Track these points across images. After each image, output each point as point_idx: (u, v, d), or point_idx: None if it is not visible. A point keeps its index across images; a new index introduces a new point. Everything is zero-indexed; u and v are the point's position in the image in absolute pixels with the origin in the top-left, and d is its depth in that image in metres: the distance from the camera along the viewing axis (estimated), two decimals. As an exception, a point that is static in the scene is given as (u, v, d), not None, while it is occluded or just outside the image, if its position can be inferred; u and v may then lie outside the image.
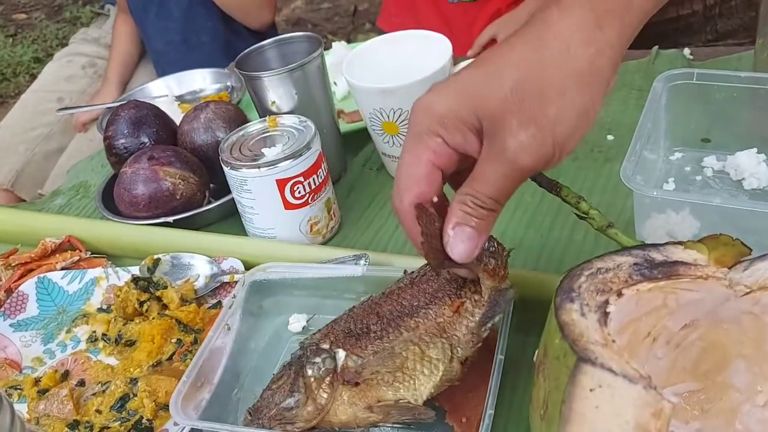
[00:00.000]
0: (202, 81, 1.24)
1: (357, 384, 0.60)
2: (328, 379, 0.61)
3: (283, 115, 0.85)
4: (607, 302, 0.46)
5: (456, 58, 0.87)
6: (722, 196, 0.75)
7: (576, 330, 0.43)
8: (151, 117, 0.96)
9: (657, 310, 0.50)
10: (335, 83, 1.09)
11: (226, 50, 1.65)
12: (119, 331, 0.76)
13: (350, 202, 0.91)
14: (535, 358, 0.50)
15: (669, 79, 0.79)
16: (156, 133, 0.95)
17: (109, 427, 0.65)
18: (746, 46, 1.05)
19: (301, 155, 0.78)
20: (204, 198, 0.91)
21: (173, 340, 0.73)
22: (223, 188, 0.89)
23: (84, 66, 1.81)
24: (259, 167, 0.77)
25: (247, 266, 0.78)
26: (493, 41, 1.32)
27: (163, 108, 1.01)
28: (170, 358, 0.72)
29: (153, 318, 0.75)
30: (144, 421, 0.65)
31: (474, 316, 0.59)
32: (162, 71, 1.73)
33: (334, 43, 1.17)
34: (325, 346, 0.63)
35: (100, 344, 0.76)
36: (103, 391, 0.70)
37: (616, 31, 0.49)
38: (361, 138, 0.98)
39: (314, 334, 0.66)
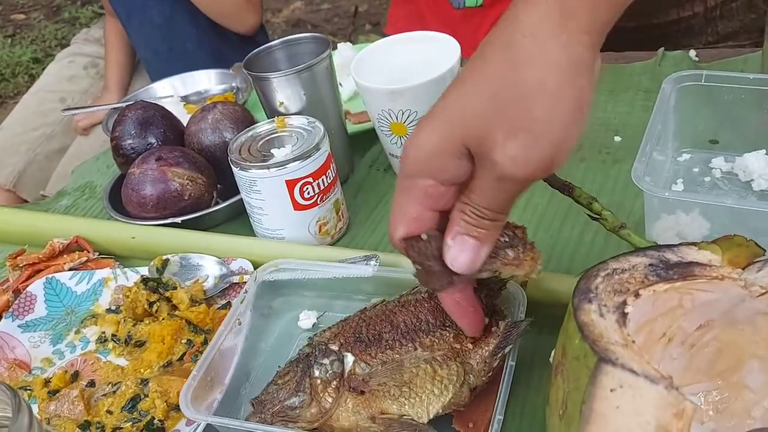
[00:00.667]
0: (207, 81, 1.24)
1: (362, 392, 0.60)
2: (334, 383, 0.61)
3: (291, 116, 0.85)
4: (624, 303, 0.46)
5: (463, 60, 0.87)
6: (732, 197, 0.75)
7: (595, 330, 0.43)
8: (158, 117, 0.96)
9: (672, 310, 0.50)
10: (341, 84, 1.09)
11: (213, 57, 1.59)
12: (129, 332, 0.76)
13: (358, 202, 0.91)
14: (551, 359, 0.50)
15: (678, 80, 0.79)
16: (163, 134, 0.95)
17: (121, 428, 0.66)
18: (750, 48, 1.06)
19: (310, 156, 0.78)
20: (212, 199, 0.91)
21: (183, 341, 0.73)
22: (230, 189, 0.89)
23: (86, 66, 1.81)
24: (268, 168, 0.78)
25: (256, 267, 0.78)
26: None
27: (169, 108, 1.01)
28: (181, 359, 0.72)
29: (163, 319, 0.75)
30: (156, 421, 0.65)
31: (488, 346, 0.60)
32: (153, 78, 1.71)
33: (339, 44, 1.17)
34: (334, 347, 0.63)
35: (110, 345, 0.76)
36: (114, 392, 0.70)
37: (586, 16, 0.46)
38: (367, 139, 0.98)
39: (324, 331, 0.66)
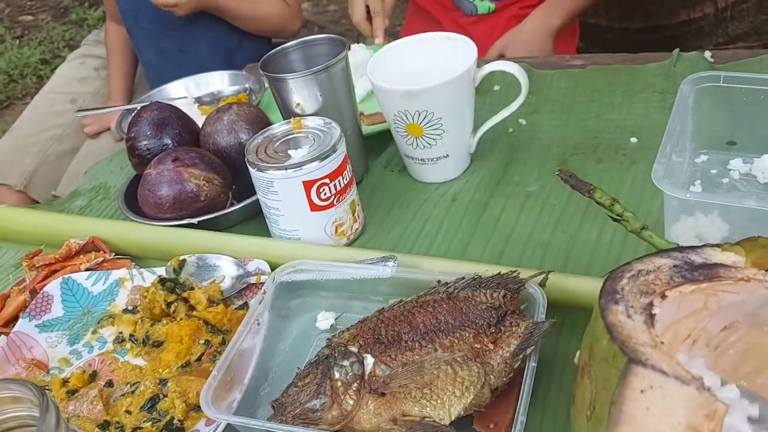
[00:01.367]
0: (221, 83, 1.24)
1: (383, 394, 0.60)
2: (355, 385, 0.61)
3: (307, 117, 0.85)
4: (651, 304, 0.46)
5: (479, 62, 0.87)
6: (752, 198, 0.74)
7: (624, 331, 0.43)
8: (173, 118, 0.96)
9: (698, 312, 0.50)
10: (354, 85, 1.09)
11: (224, 61, 1.59)
12: (146, 332, 0.76)
13: (373, 203, 0.91)
14: (576, 360, 0.50)
15: (696, 81, 0.79)
16: (179, 135, 0.95)
17: (141, 428, 0.66)
18: (763, 49, 1.05)
19: (327, 157, 0.78)
20: (227, 199, 0.91)
21: (201, 341, 0.73)
22: (245, 190, 0.89)
23: (97, 68, 1.81)
24: (285, 169, 0.78)
25: (273, 268, 0.78)
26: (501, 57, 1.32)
27: (183, 110, 1.01)
28: (199, 359, 0.72)
29: (181, 319, 0.75)
30: (175, 421, 0.65)
31: (509, 347, 0.60)
32: (151, 83, 1.70)
33: (353, 45, 1.17)
34: (354, 349, 0.63)
35: (128, 345, 0.76)
36: (133, 392, 0.70)
37: None
38: (381, 140, 0.98)
39: (342, 332, 0.66)
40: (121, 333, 0.78)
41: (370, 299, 0.73)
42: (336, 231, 0.82)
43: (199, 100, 1.21)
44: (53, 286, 0.83)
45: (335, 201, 0.81)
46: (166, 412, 0.67)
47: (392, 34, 3.12)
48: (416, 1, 1.54)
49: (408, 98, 0.84)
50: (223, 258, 0.81)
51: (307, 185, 0.78)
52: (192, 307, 0.77)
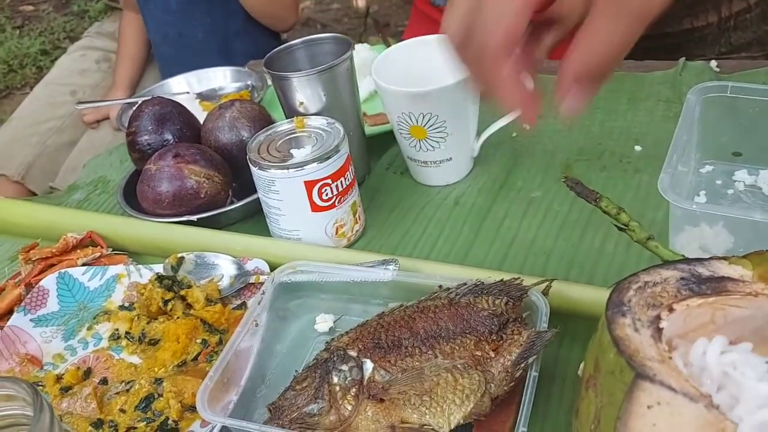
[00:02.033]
0: (223, 79, 1.23)
1: (382, 400, 0.59)
2: (353, 390, 0.60)
3: (310, 117, 0.84)
4: (659, 317, 0.45)
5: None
6: (758, 211, 0.74)
7: (631, 345, 0.42)
8: (175, 114, 0.95)
9: (704, 326, 0.49)
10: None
11: (221, 49, 1.63)
12: (143, 330, 0.75)
13: (374, 205, 0.90)
14: (579, 372, 0.50)
15: (703, 91, 0.78)
16: (180, 131, 0.94)
17: (135, 428, 0.65)
18: (765, 60, 1.05)
19: (329, 157, 0.77)
20: (227, 197, 0.90)
21: (198, 341, 0.73)
22: (245, 188, 0.88)
23: (98, 60, 1.81)
24: (287, 168, 0.77)
25: (272, 268, 0.78)
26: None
27: (184, 105, 1.00)
28: (195, 359, 0.71)
29: (178, 317, 0.74)
30: (170, 422, 0.65)
31: (511, 355, 0.59)
32: (162, 66, 1.73)
33: (357, 45, 1.16)
34: (353, 353, 0.62)
35: (123, 342, 0.76)
36: (127, 390, 0.69)
37: None
38: (384, 141, 0.98)
39: (341, 336, 0.65)
40: (116, 330, 0.77)
41: (370, 302, 0.72)
42: (337, 232, 0.82)
43: (200, 96, 1.20)
44: (49, 281, 0.82)
45: (337, 202, 0.80)
46: (160, 412, 0.66)
47: (396, 35, 3.13)
48: (418, 6, 1.54)
49: (413, 100, 0.83)
50: (221, 256, 0.80)
51: (309, 185, 0.77)
52: (189, 306, 0.76)
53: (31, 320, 0.79)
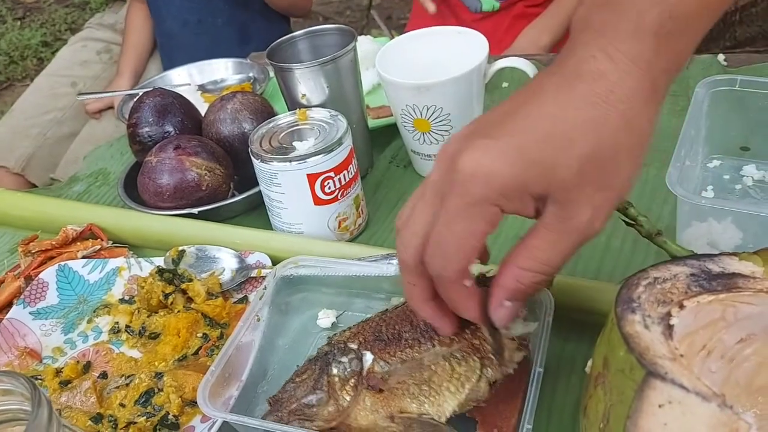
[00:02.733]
0: (225, 71, 1.22)
1: (381, 391, 0.58)
2: (352, 381, 0.59)
3: (313, 109, 0.83)
4: (669, 314, 0.44)
5: (489, 58, 0.86)
6: (767, 206, 0.73)
7: (642, 343, 0.41)
8: (176, 106, 0.94)
9: (714, 323, 0.48)
10: (361, 77, 1.08)
11: (239, 35, 1.67)
12: (143, 323, 0.74)
13: (377, 199, 0.89)
14: (587, 369, 0.49)
15: (711, 85, 0.77)
16: (181, 123, 0.93)
17: (134, 422, 0.64)
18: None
19: (332, 150, 0.76)
20: (229, 190, 0.89)
21: (199, 335, 0.72)
22: (247, 180, 0.88)
23: (99, 51, 1.79)
24: (290, 161, 0.76)
25: (274, 261, 0.77)
26: None
27: (186, 97, 0.99)
28: (196, 353, 0.71)
29: (178, 311, 0.73)
30: (170, 417, 0.64)
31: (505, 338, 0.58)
32: (168, 56, 1.72)
33: (359, 37, 1.15)
34: (353, 346, 0.62)
35: (123, 336, 0.75)
36: (127, 385, 0.68)
37: (664, 88, 0.49)
38: (386, 133, 0.97)
39: (343, 331, 0.64)
40: (116, 323, 0.76)
41: (372, 297, 0.72)
42: (339, 226, 0.81)
43: (202, 88, 1.19)
44: (49, 273, 0.81)
45: (339, 195, 0.79)
46: (161, 406, 0.65)
47: (398, 27, 3.11)
48: None
49: (417, 92, 0.82)
50: (223, 250, 0.79)
51: (312, 178, 0.77)
52: (190, 299, 0.75)
53: (30, 313, 0.78)
